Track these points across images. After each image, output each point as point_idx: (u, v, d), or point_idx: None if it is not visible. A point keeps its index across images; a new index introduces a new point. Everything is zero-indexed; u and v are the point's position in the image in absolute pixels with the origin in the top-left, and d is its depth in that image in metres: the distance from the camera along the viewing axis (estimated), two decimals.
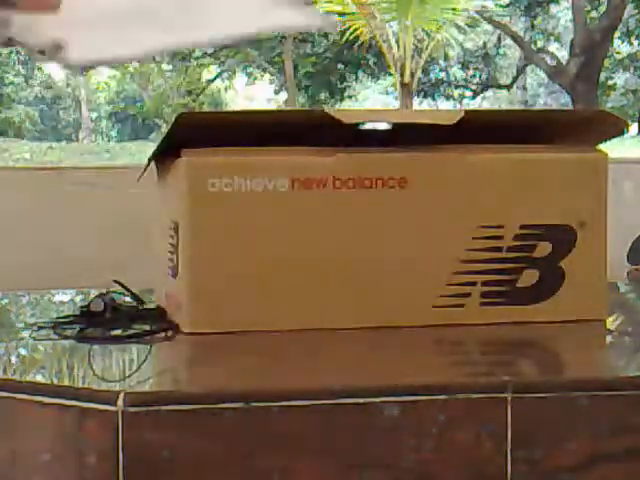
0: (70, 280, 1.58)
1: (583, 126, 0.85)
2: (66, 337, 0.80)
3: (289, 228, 0.79)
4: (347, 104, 18.93)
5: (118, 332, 0.84)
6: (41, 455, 0.61)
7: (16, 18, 0.65)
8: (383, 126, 0.83)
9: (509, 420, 0.61)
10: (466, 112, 0.80)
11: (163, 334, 0.78)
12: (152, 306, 0.88)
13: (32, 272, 1.21)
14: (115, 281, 0.89)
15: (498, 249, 0.82)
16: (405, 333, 0.79)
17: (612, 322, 0.87)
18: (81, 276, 1.53)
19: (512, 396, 0.61)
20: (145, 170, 0.89)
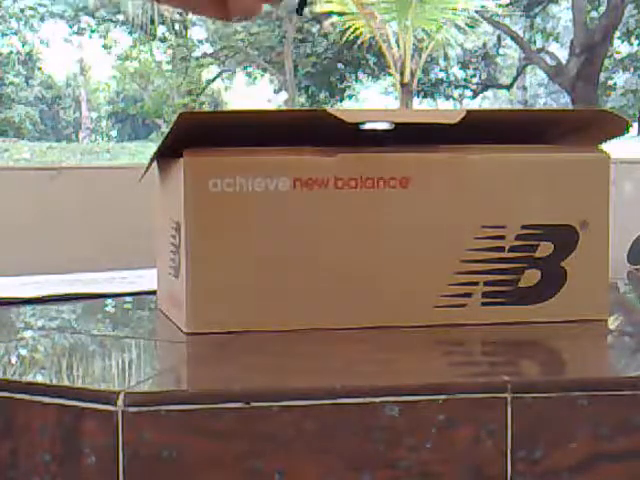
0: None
1: (585, 126, 0.85)
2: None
3: (291, 228, 0.79)
4: (347, 104, 18.94)
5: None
6: (41, 455, 0.61)
7: None
8: (385, 126, 0.83)
9: (509, 420, 0.61)
10: (468, 112, 0.80)
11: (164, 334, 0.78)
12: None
13: (32, 273, 1.21)
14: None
15: (500, 249, 0.82)
16: (406, 333, 0.79)
17: (612, 322, 0.87)
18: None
19: (512, 396, 0.61)
20: (147, 170, 0.89)
